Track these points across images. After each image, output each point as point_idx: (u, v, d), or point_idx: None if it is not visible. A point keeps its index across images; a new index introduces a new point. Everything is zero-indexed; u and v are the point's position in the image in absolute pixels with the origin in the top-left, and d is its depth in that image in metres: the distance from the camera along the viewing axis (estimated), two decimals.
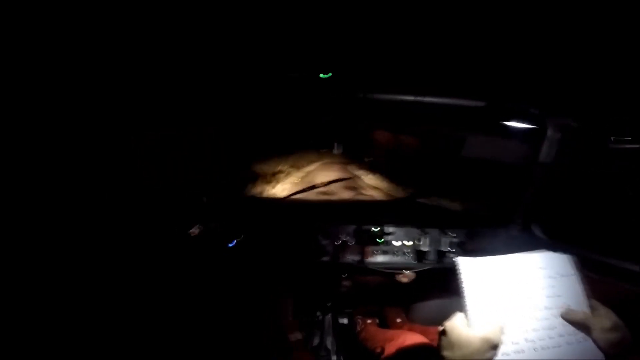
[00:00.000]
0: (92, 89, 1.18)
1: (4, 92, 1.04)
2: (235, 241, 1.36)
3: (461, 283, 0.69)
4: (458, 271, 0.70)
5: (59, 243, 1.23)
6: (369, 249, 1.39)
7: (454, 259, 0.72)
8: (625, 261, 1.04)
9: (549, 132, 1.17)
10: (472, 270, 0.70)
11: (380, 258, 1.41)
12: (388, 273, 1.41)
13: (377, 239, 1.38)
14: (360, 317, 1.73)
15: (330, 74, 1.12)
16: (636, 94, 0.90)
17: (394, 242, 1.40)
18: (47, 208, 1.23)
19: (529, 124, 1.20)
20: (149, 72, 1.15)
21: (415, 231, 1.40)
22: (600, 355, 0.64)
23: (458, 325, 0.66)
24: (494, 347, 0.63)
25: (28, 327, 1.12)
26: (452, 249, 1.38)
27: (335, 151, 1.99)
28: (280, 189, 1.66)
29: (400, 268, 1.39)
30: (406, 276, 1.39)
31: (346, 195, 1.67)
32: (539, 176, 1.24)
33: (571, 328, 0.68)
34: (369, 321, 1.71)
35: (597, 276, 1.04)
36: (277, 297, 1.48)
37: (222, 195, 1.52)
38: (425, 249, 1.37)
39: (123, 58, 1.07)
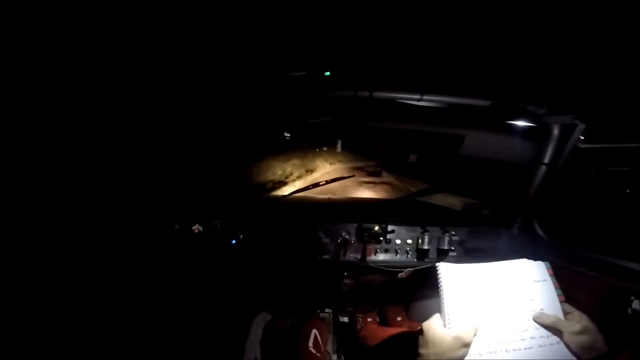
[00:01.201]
0: (93, 88, 1.18)
1: (5, 93, 1.03)
2: (234, 240, 1.36)
3: (440, 286, 0.75)
4: (438, 275, 0.76)
5: (59, 242, 1.23)
6: (370, 247, 1.40)
7: (436, 264, 0.78)
8: (624, 260, 1.04)
9: (555, 132, 1.17)
10: (451, 275, 0.76)
11: (381, 256, 1.41)
12: (389, 271, 1.41)
13: (379, 237, 1.38)
14: (360, 315, 1.74)
15: (327, 73, 1.12)
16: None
17: (395, 241, 1.40)
18: (47, 207, 1.23)
19: (532, 123, 1.20)
20: (150, 72, 1.15)
21: (416, 229, 1.40)
22: (571, 357, 0.67)
23: (433, 325, 0.71)
24: (466, 345, 0.68)
25: (28, 327, 1.12)
26: (452, 247, 1.38)
27: (338, 149, 2.00)
28: (286, 187, 1.66)
29: (401, 266, 1.39)
30: (404, 270, 1.40)
31: (347, 193, 1.67)
32: (542, 176, 1.24)
33: (544, 331, 0.71)
34: (369, 319, 1.71)
35: (594, 274, 1.05)
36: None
37: (224, 194, 1.52)
38: (426, 247, 1.38)
39: (123, 58, 1.06)
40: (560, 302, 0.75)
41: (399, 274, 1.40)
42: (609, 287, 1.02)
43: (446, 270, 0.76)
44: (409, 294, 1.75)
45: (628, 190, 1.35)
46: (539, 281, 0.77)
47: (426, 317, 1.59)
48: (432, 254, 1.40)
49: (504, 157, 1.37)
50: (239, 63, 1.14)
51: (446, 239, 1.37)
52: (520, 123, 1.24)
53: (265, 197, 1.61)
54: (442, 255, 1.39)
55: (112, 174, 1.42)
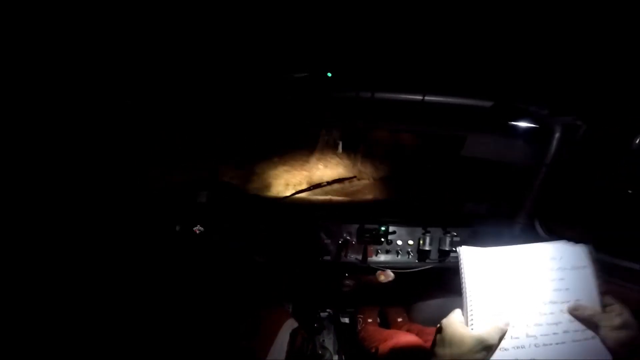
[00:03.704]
0: (98, 90, 1.18)
1: (11, 96, 1.04)
2: (236, 241, 1.36)
3: (462, 274, 0.65)
4: (460, 261, 0.67)
5: (62, 243, 1.24)
6: (372, 248, 1.40)
7: (457, 249, 0.69)
8: (625, 260, 1.04)
9: (557, 133, 1.17)
10: (475, 260, 0.67)
11: (382, 257, 1.41)
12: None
13: (379, 238, 1.38)
14: (361, 316, 1.74)
15: (330, 74, 1.12)
16: None
17: (396, 241, 1.40)
18: (50, 209, 1.23)
19: (534, 124, 1.20)
20: (154, 74, 1.15)
21: (417, 230, 1.40)
22: (607, 355, 0.60)
23: (454, 323, 0.64)
24: (488, 348, 0.60)
25: (28, 327, 1.12)
26: (454, 248, 1.38)
27: (339, 150, 2.00)
28: (287, 188, 1.66)
29: (402, 267, 1.39)
30: (385, 274, 1.36)
31: (348, 194, 1.67)
32: (544, 176, 1.24)
33: (579, 324, 0.63)
34: (369, 320, 1.71)
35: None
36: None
37: (224, 194, 1.52)
38: (427, 248, 1.37)
39: (128, 60, 1.07)
40: (600, 293, 0.65)
41: (380, 278, 1.35)
42: (613, 288, 1.01)
43: (468, 255, 0.66)
44: (410, 294, 1.75)
45: (630, 191, 1.35)
46: (578, 268, 0.66)
47: (427, 317, 1.60)
48: (434, 255, 1.40)
49: (506, 157, 1.37)
50: (242, 64, 1.15)
51: (447, 239, 1.37)
52: (522, 124, 1.24)
53: (267, 198, 1.61)
54: (444, 256, 1.39)
55: (115, 176, 1.42)
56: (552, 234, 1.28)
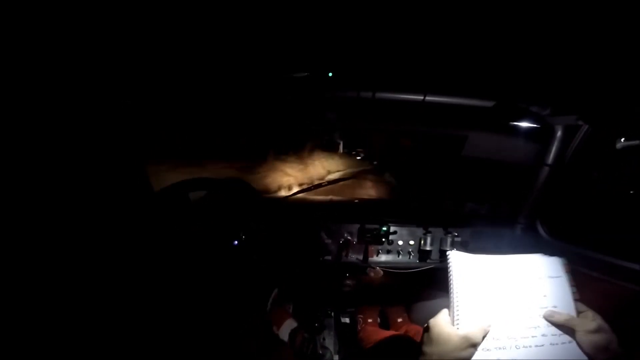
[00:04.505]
0: (102, 91, 1.18)
1: (11, 94, 1.04)
2: (237, 241, 1.36)
3: (450, 276, 0.71)
4: (448, 264, 0.72)
5: (64, 243, 1.23)
6: (372, 248, 1.39)
7: (447, 252, 0.75)
8: (626, 260, 1.04)
9: (558, 133, 1.17)
10: (462, 264, 0.72)
11: (383, 257, 1.41)
12: (391, 272, 1.41)
13: (380, 238, 1.38)
14: (361, 316, 1.74)
15: (330, 74, 1.12)
16: None
17: (397, 242, 1.40)
18: (49, 209, 1.23)
19: (536, 124, 1.20)
20: (155, 75, 1.15)
21: (418, 230, 1.40)
22: (583, 357, 0.64)
23: (441, 322, 0.67)
24: (473, 345, 0.64)
25: (28, 326, 1.12)
26: (455, 248, 1.38)
27: (340, 150, 2.00)
28: (287, 188, 1.66)
29: (403, 267, 1.39)
30: (374, 271, 1.38)
31: (349, 194, 1.67)
32: (545, 176, 1.23)
33: (556, 329, 0.68)
34: (369, 320, 1.72)
35: (598, 275, 1.05)
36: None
37: (225, 193, 1.51)
38: (428, 248, 1.37)
39: (130, 60, 1.06)
40: (574, 300, 0.71)
41: (370, 275, 1.38)
42: (615, 288, 1.01)
43: (457, 259, 0.72)
44: (411, 295, 1.75)
45: (631, 192, 1.35)
46: (554, 277, 0.73)
47: (427, 317, 1.60)
48: (435, 255, 1.40)
49: (507, 158, 1.37)
50: (242, 64, 1.14)
51: (448, 240, 1.37)
52: (524, 124, 1.23)
53: (268, 197, 1.61)
54: (445, 257, 1.39)
55: (114, 176, 1.42)
56: (553, 235, 1.28)
